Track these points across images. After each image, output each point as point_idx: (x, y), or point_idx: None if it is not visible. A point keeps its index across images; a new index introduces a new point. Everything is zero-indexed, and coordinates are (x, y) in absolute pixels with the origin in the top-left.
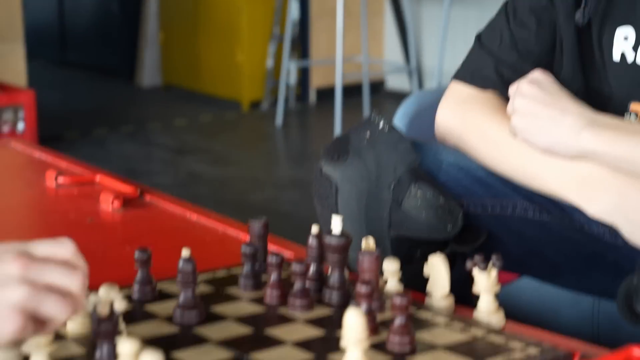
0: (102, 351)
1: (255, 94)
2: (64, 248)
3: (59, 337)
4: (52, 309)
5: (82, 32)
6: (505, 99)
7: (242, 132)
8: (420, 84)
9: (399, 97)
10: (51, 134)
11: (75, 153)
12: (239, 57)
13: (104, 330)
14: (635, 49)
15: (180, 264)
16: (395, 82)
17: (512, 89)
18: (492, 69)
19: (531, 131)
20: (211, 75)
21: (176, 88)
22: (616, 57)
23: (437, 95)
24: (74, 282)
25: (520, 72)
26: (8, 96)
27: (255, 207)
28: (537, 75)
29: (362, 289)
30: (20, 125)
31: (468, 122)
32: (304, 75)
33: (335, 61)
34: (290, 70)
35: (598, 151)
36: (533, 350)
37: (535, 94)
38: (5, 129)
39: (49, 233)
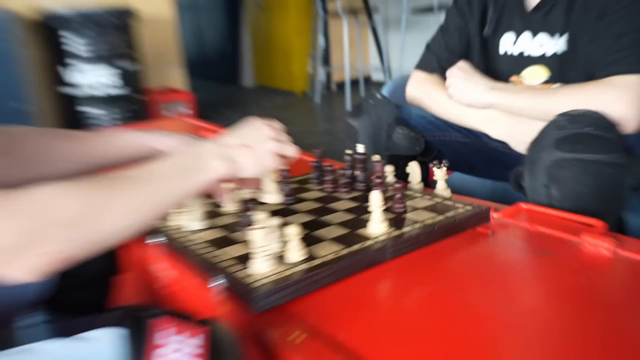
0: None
1: (303, 87)
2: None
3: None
4: (290, 148)
5: (212, 57)
6: (444, 78)
7: (298, 108)
8: (390, 76)
9: (379, 84)
10: (201, 115)
11: (217, 123)
12: (293, 67)
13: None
14: (514, 44)
15: (282, 173)
16: (376, 76)
17: (448, 72)
18: (435, 62)
19: (459, 95)
20: (280, 77)
21: (261, 86)
22: (502, 52)
23: (402, 81)
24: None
25: (451, 63)
26: (176, 95)
27: (309, 144)
28: (461, 64)
29: (376, 180)
30: (186, 111)
31: (424, 92)
32: (328, 75)
33: (344, 66)
34: (320, 73)
35: (497, 103)
36: (468, 207)
37: (460, 75)
38: (179, 113)
39: None
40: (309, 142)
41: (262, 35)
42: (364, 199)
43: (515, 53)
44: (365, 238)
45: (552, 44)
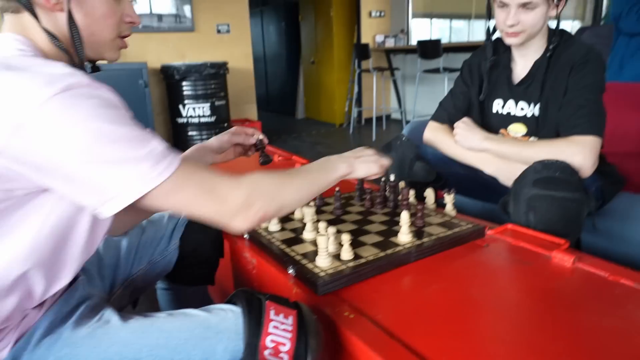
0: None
1: (341, 120)
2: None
3: None
4: (385, 161)
5: (275, 95)
6: (452, 128)
7: (336, 136)
8: (405, 115)
9: (396, 121)
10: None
11: (277, 145)
12: (335, 106)
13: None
14: (502, 107)
15: (335, 194)
16: (394, 115)
17: (455, 124)
18: (446, 115)
19: (462, 141)
20: (324, 113)
21: (310, 119)
22: (494, 111)
23: (417, 124)
24: (380, 165)
25: (457, 117)
26: (250, 124)
27: None
28: (465, 119)
29: (404, 202)
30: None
31: (437, 137)
32: (359, 113)
33: (372, 107)
34: (354, 111)
35: (489, 149)
36: (469, 225)
37: (464, 127)
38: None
39: None
40: None
41: (312, 82)
42: (393, 214)
43: (504, 113)
44: (396, 245)
45: (529, 109)
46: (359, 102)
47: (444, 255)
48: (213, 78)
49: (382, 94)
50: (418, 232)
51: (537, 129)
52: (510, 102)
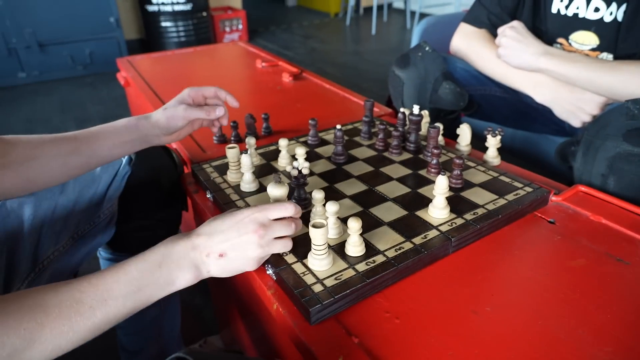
0: (299, 193)
1: (336, 9)
2: (288, 210)
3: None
4: (276, 249)
5: None
6: (492, 34)
7: (331, 27)
8: (408, 5)
9: (400, 12)
10: (252, 29)
11: (265, 39)
12: None
13: (300, 182)
14: (567, 7)
15: (336, 134)
16: (397, 4)
17: (500, 30)
18: (485, 16)
19: (509, 57)
20: (318, 0)
21: (302, 6)
22: (554, 10)
23: (436, 22)
24: (291, 231)
25: (501, 19)
26: (234, 13)
27: (340, 62)
28: (515, 23)
29: (434, 150)
30: (240, 26)
31: (471, 47)
32: (357, 1)
33: None
34: None
35: (549, 69)
36: (528, 189)
37: (513, 35)
38: (233, 28)
39: (257, 93)
40: (339, 61)
41: None
42: (415, 163)
43: (569, 14)
44: (427, 225)
45: (608, 11)
46: None
47: (495, 239)
48: None
49: None
50: (456, 201)
51: (616, 41)
52: None
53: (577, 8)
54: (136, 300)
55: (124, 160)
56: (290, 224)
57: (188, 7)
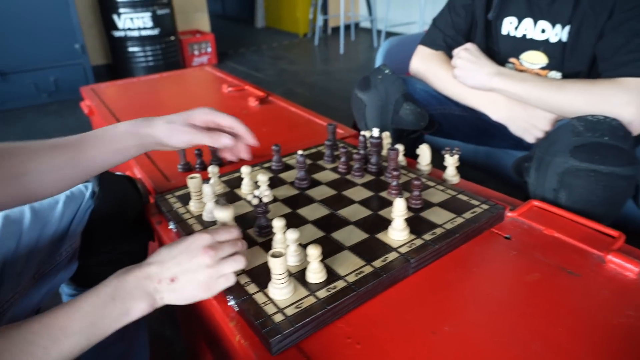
0: (260, 221)
1: (305, 29)
2: (232, 234)
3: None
4: (228, 268)
5: (230, 2)
6: (449, 56)
7: (300, 48)
8: (375, 25)
9: (366, 31)
10: (221, 51)
11: (235, 61)
12: (298, 14)
13: (260, 210)
14: (516, 28)
15: (297, 159)
16: (364, 24)
17: (455, 52)
18: (441, 39)
19: (464, 77)
20: (286, 21)
21: (271, 27)
22: (504, 32)
23: (396, 42)
24: (239, 249)
25: (456, 41)
26: (202, 36)
27: (309, 82)
28: (469, 45)
29: (393, 172)
30: (208, 49)
31: (429, 69)
32: (325, 21)
33: (340, 14)
34: (319, 19)
35: (502, 89)
36: (485, 206)
37: (467, 57)
38: (202, 51)
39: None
40: (309, 80)
41: None
42: (377, 185)
43: (518, 36)
44: (387, 248)
45: (554, 32)
46: (324, 8)
47: (454, 257)
48: None
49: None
50: (416, 222)
51: (563, 60)
52: (528, 21)
53: (526, 29)
54: (91, 335)
55: (87, 193)
56: (237, 243)
57: (155, 31)
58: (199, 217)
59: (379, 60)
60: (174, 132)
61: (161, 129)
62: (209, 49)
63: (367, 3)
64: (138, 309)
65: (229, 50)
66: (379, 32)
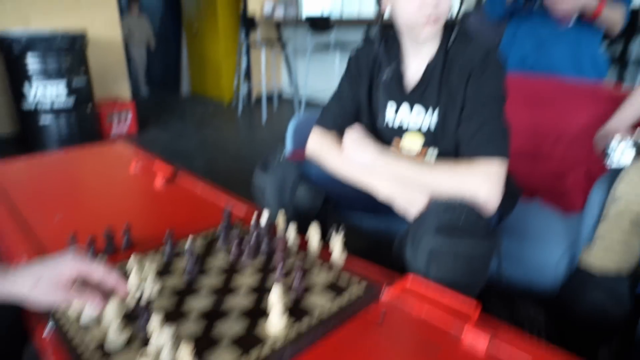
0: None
1: (230, 97)
2: (112, 277)
3: None
4: (85, 297)
5: (155, 69)
6: (341, 134)
7: (225, 116)
8: (296, 95)
9: (288, 100)
10: (144, 118)
11: (158, 128)
12: (222, 83)
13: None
14: (395, 112)
15: (187, 248)
16: (286, 93)
17: (346, 134)
18: (332, 121)
19: (352, 156)
20: (211, 89)
21: (196, 95)
22: (387, 116)
23: (305, 117)
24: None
25: (346, 122)
26: (122, 105)
27: (232, 151)
28: (355, 126)
29: (280, 253)
30: (128, 118)
31: (322, 149)
32: (249, 90)
33: (262, 84)
34: (243, 87)
35: (381, 168)
36: (362, 284)
37: (354, 137)
38: (121, 120)
39: (127, 200)
40: (232, 149)
41: (197, 55)
42: (267, 268)
43: (398, 118)
44: (264, 338)
45: (427, 116)
46: (248, 77)
47: (329, 345)
48: (68, 52)
49: (273, 69)
50: (295, 307)
51: (436, 141)
52: (405, 105)
53: (404, 112)
54: None
55: None
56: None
57: (70, 102)
58: (76, 320)
59: (289, 136)
60: (40, 292)
61: (25, 285)
62: (129, 118)
63: (288, 73)
64: None
65: (152, 118)
66: (300, 102)
